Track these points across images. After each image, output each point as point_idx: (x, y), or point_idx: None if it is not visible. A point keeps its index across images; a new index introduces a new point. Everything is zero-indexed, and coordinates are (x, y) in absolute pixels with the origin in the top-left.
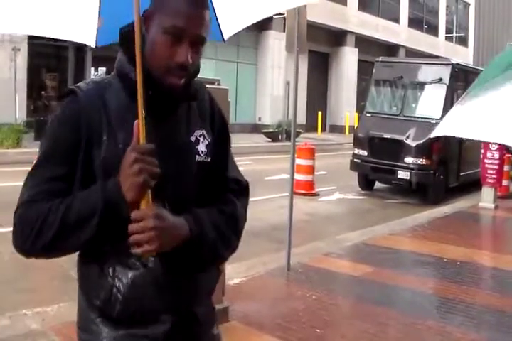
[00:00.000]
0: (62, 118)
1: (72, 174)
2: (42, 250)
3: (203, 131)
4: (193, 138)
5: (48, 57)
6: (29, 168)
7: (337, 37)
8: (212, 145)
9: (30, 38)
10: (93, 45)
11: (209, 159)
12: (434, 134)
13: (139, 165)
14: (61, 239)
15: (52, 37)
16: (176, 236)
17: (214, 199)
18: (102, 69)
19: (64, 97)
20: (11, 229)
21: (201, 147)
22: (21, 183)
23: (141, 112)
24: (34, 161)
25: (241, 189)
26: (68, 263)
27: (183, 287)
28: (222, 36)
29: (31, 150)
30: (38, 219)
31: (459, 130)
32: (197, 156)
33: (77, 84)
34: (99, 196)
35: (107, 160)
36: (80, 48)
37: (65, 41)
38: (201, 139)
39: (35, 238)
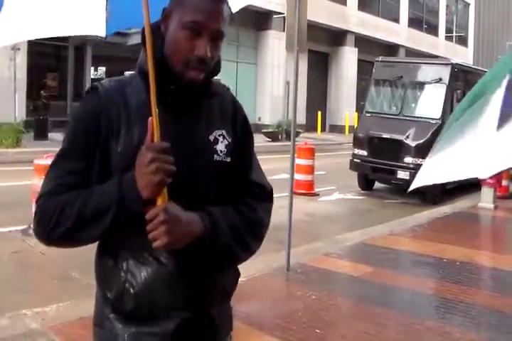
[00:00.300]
0: (83, 113)
1: (90, 168)
2: (59, 240)
3: (223, 131)
4: (211, 138)
5: (47, 56)
6: (28, 168)
7: (337, 36)
8: (233, 146)
9: None
10: (103, 35)
11: (228, 159)
12: (412, 187)
13: (155, 164)
14: (77, 230)
15: (64, 35)
16: (188, 233)
17: (233, 201)
18: (102, 69)
19: (86, 93)
20: (11, 228)
21: (220, 147)
22: (21, 183)
23: (155, 110)
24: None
25: (264, 194)
26: (67, 263)
27: (197, 285)
28: None
29: (30, 149)
30: (56, 211)
31: (437, 176)
32: (215, 156)
33: (100, 82)
34: (115, 192)
35: (123, 154)
36: (80, 48)
37: (64, 40)
38: (220, 139)
39: (52, 229)
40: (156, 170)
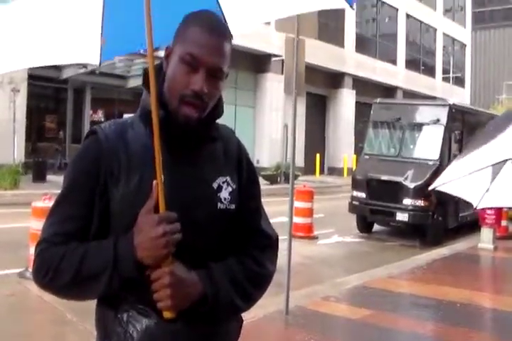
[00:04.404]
0: (82, 158)
1: (90, 213)
2: (56, 293)
3: (227, 177)
4: (215, 185)
5: (47, 98)
6: (26, 210)
7: (334, 79)
8: (238, 192)
9: (30, 78)
10: (97, 63)
11: (233, 206)
12: (431, 187)
13: (166, 238)
14: (72, 289)
15: (56, 64)
16: (190, 295)
17: (239, 250)
18: (101, 112)
19: (86, 137)
20: (7, 271)
21: (224, 194)
22: (18, 225)
23: (160, 177)
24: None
25: (271, 243)
26: (64, 306)
27: (200, 335)
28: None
29: (29, 191)
30: (51, 267)
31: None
32: (219, 204)
33: (100, 125)
34: (109, 256)
35: (122, 200)
36: (79, 90)
37: (64, 83)
38: (224, 186)
39: (47, 283)
40: (166, 244)
